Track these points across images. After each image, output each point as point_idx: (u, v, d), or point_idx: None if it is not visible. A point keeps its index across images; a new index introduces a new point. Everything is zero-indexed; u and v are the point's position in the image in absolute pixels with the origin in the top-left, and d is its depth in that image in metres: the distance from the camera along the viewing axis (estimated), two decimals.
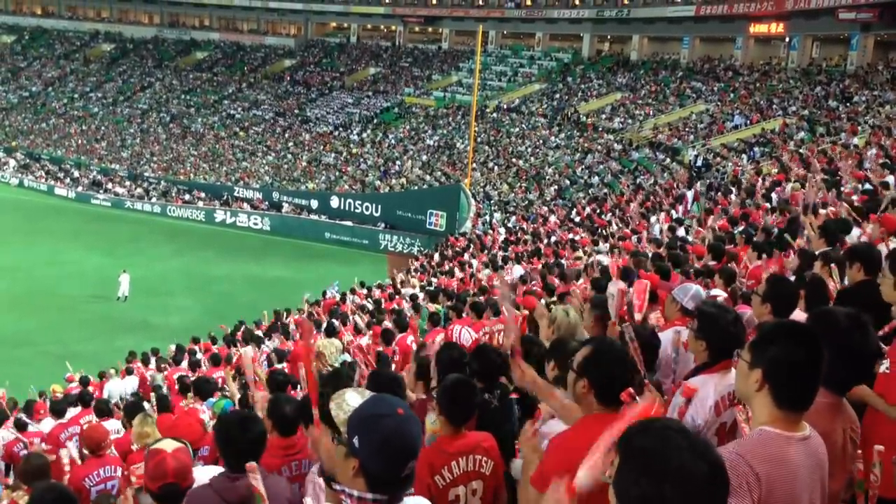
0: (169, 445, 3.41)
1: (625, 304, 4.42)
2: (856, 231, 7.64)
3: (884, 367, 3.41)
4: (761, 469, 2.24)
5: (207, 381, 8.13)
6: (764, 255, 7.27)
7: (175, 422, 4.38)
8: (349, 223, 38.33)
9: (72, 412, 8.64)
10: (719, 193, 19.16)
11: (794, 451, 2.33)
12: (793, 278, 5.73)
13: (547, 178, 36.58)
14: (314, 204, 40.99)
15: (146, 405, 8.57)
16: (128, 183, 48.30)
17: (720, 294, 6.10)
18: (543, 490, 2.82)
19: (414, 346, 8.59)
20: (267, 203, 42.70)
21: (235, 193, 44.55)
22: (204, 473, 3.88)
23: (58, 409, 8.68)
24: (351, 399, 2.58)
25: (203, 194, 45.40)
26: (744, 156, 27.18)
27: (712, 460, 1.69)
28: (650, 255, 10.29)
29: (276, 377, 7.39)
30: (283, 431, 4.20)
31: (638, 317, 4.73)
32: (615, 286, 4.51)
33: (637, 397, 3.00)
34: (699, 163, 27.96)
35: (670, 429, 1.73)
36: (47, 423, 9.50)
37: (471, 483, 3.44)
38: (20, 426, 8.90)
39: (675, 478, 1.64)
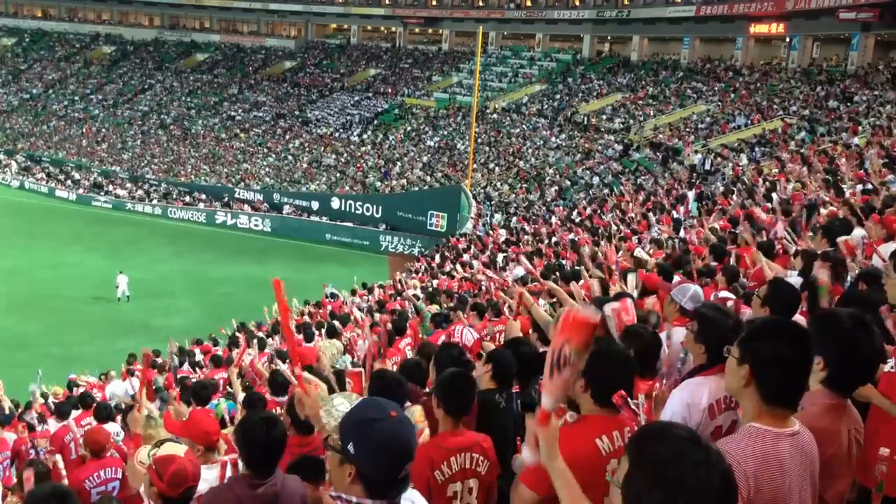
0: (178, 450, 3.41)
1: (623, 323, 4.42)
2: (857, 232, 7.62)
3: (888, 366, 3.40)
4: (749, 465, 2.26)
5: (204, 385, 8.11)
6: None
7: (194, 417, 4.35)
8: (350, 224, 38.34)
9: (73, 415, 8.65)
10: (718, 196, 19.12)
11: (782, 446, 2.34)
12: (798, 279, 5.72)
13: (547, 178, 36.58)
14: (315, 205, 41.01)
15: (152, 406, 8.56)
16: (129, 185, 48.32)
17: (729, 297, 6.07)
18: (539, 490, 2.81)
19: (408, 350, 8.59)
20: (267, 205, 42.72)
21: (236, 195, 44.57)
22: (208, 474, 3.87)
23: (61, 411, 8.69)
24: (339, 404, 2.54)
25: (204, 196, 45.43)
26: (742, 155, 27.14)
27: (724, 471, 1.70)
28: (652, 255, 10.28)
29: (276, 378, 7.38)
30: (301, 430, 4.21)
31: None
32: (609, 307, 4.50)
33: (629, 400, 2.99)
34: (707, 165, 27.73)
35: (684, 439, 1.73)
36: (51, 425, 9.51)
37: (467, 481, 3.46)
38: (30, 428, 8.94)
39: (691, 491, 1.65)
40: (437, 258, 24.81)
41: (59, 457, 5.23)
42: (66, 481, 5.08)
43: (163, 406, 10.23)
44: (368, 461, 2.11)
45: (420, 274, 22.16)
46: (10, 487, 6.89)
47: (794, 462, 2.35)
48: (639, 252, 11.03)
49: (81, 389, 12.38)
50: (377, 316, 12.90)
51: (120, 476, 5.65)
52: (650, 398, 3.44)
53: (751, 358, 2.42)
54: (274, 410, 5.67)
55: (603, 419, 2.98)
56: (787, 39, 39.51)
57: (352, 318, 15.05)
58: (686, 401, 3.39)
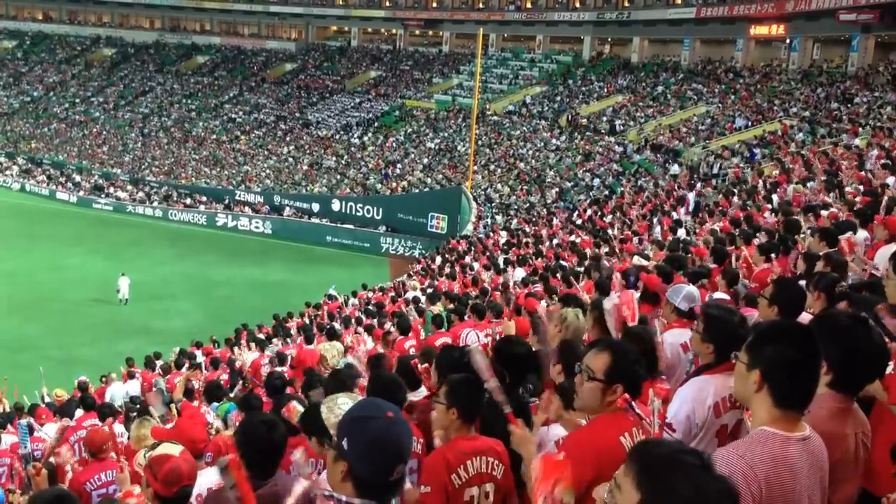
0: (173, 450, 3.42)
1: (621, 318, 4.42)
2: (860, 234, 7.63)
3: (890, 367, 3.40)
4: (761, 470, 2.26)
5: (219, 385, 8.14)
6: (771, 256, 7.28)
7: (180, 425, 4.38)
8: (350, 226, 38.33)
9: (76, 415, 8.66)
10: (720, 199, 19.13)
11: (793, 451, 2.34)
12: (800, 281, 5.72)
13: (548, 180, 36.59)
14: (315, 207, 41.01)
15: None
16: (129, 187, 48.34)
17: (723, 297, 6.09)
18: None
19: (412, 351, 8.59)
20: (268, 207, 42.74)
21: (237, 197, 44.57)
22: (207, 476, 3.88)
23: (65, 413, 8.70)
24: (343, 403, 2.55)
25: (204, 198, 45.44)
26: (736, 158, 27.08)
27: (734, 497, 1.71)
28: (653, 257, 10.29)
29: (273, 381, 7.41)
30: (289, 431, 4.22)
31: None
32: (609, 302, 4.50)
33: (633, 403, 3.01)
34: (715, 169, 27.61)
35: (696, 466, 1.71)
36: (53, 427, 9.50)
37: (484, 485, 3.43)
38: (31, 429, 8.91)
39: None
40: (438, 260, 24.82)
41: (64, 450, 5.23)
42: (66, 482, 5.10)
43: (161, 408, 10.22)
44: (359, 459, 2.10)
45: (419, 276, 22.17)
46: (10, 489, 6.91)
47: (805, 466, 2.35)
48: (637, 260, 11.04)
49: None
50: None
51: None
52: (666, 403, 3.45)
53: (761, 363, 2.41)
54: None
55: (619, 417, 3.00)
56: (788, 41, 39.50)
57: (352, 319, 15.08)
58: (692, 399, 3.41)
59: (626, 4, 47.30)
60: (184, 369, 13.77)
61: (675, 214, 18.74)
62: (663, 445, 1.87)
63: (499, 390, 3.03)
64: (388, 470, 2.11)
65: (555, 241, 20.88)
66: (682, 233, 15.16)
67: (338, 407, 2.57)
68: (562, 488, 1.98)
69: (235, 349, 15.50)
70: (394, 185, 42.91)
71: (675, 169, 29.48)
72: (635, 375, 3.04)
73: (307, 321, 17.04)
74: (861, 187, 12.27)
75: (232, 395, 10.69)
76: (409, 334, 9.97)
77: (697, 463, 1.72)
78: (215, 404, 7.77)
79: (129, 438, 7.25)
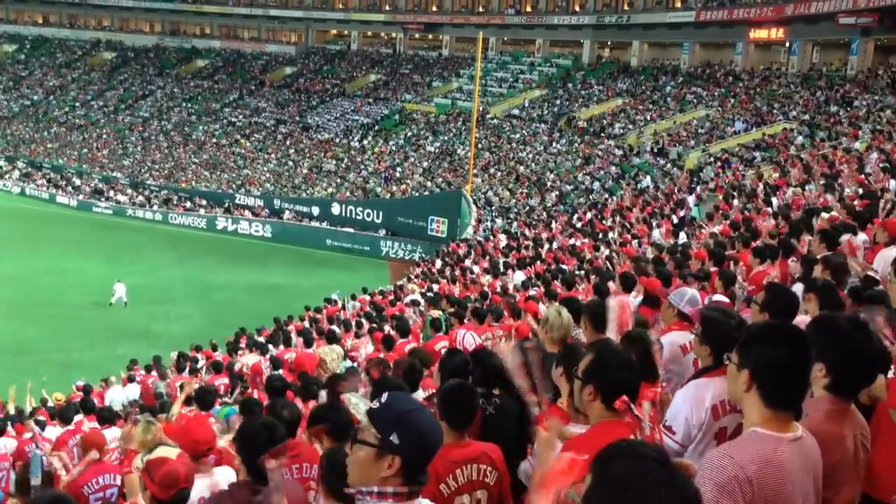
0: (170, 453, 3.41)
1: (628, 316, 4.39)
2: (860, 236, 7.62)
3: (892, 371, 3.39)
4: (752, 470, 2.25)
5: (208, 391, 8.10)
6: (768, 260, 7.27)
7: (188, 425, 4.36)
8: (350, 230, 38.31)
9: (75, 419, 8.65)
10: (719, 202, 19.13)
11: (784, 451, 2.33)
12: (799, 285, 5.71)
13: (548, 183, 36.59)
14: (315, 211, 41.00)
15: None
16: (129, 191, 48.34)
17: (724, 300, 6.09)
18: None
19: None
20: (268, 210, 42.74)
21: (237, 201, 44.55)
22: (221, 475, 3.87)
23: (65, 417, 8.68)
24: (357, 401, 2.48)
25: (204, 202, 45.41)
26: (729, 162, 27.03)
27: (689, 496, 1.66)
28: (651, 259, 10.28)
29: (273, 383, 7.40)
30: (289, 433, 4.21)
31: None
32: (615, 300, 4.48)
33: (632, 406, 2.99)
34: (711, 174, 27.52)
35: (648, 457, 1.69)
36: (53, 430, 9.49)
37: (475, 492, 3.37)
38: (41, 426, 8.95)
39: None
40: (438, 263, 24.82)
41: (57, 461, 5.23)
42: (63, 483, 5.09)
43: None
44: (415, 450, 2.18)
45: (420, 279, 22.16)
46: (10, 493, 6.89)
47: (797, 467, 2.34)
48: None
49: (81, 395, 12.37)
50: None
51: (119, 482, 5.64)
52: (655, 406, 3.43)
53: (750, 363, 2.41)
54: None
55: (616, 423, 2.97)
56: (787, 44, 39.52)
57: (352, 322, 15.06)
58: (689, 401, 3.40)
59: (626, 8, 47.38)
60: (185, 373, 13.78)
61: (674, 217, 18.75)
62: (625, 441, 1.87)
63: (529, 390, 3.02)
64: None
65: (554, 245, 20.87)
66: (682, 236, 15.17)
67: (359, 405, 2.51)
68: (574, 489, 1.97)
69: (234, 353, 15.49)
70: (394, 188, 42.92)
71: (647, 181, 29.55)
72: (611, 378, 2.99)
73: (307, 325, 17.02)
74: (860, 190, 12.27)
75: (231, 399, 10.69)
76: (409, 337, 9.96)
77: (651, 455, 1.70)
78: (217, 408, 7.74)
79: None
